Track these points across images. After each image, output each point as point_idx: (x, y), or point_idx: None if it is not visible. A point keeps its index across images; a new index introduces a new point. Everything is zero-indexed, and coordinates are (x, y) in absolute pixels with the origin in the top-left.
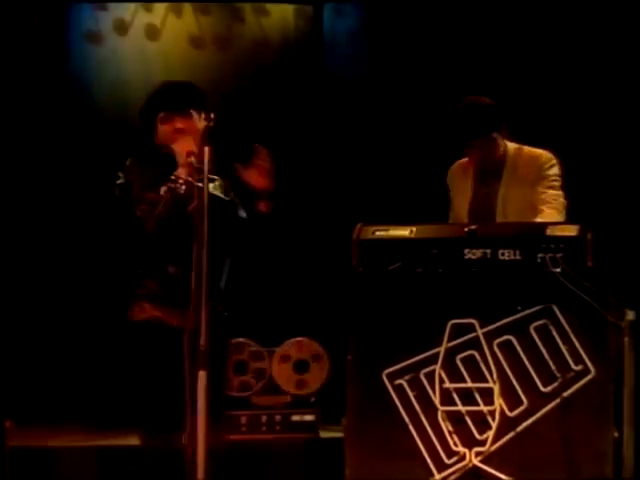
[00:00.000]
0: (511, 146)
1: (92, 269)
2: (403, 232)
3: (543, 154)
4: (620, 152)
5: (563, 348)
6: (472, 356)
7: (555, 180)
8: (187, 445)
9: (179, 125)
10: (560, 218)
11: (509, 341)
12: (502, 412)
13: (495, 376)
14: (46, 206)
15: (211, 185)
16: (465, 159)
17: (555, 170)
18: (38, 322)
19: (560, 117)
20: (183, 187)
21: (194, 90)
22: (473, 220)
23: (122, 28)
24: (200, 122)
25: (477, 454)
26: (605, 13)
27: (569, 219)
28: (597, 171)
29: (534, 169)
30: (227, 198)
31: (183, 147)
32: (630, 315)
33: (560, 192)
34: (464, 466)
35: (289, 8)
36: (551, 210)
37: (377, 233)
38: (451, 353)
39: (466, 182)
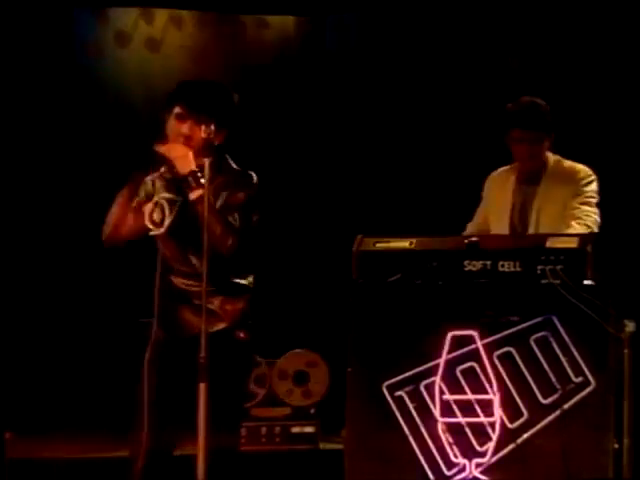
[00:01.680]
0: (552, 157)
1: (93, 283)
2: (403, 244)
3: (583, 169)
4: (620, 164)
5: (563, 360)
6: (472, 368)
7: (591, 197)
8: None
9: (186, 131)
10: None
11: (509, 353)
12: (502, 424)
13: (495, 388)
14: (44, 219)
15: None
16: (507, 167)
17: (593, 187)
18: (37, 334)
19: (561, 127)
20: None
21: (228, 99)
22: (511, 226)
23: (123, 40)
24: (203, 132)
25: (477, 465)
26: (609, 24)
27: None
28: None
29: (572, 183)
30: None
31: (170, 153)
32: (630, 327)
33: (594, 209)
34: (464, 477)
35: (290, 20)
36: (580, 226)
37: (377, 245)
38: (451, 365)
39: (506, 188)
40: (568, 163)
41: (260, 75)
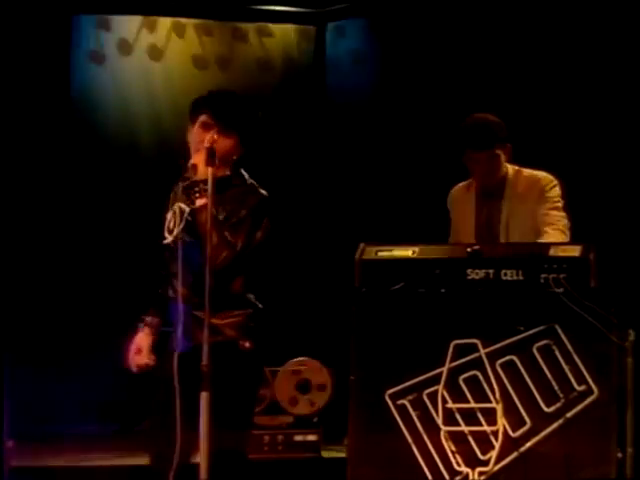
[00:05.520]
0: (511, 168)
1: (98, 290)
2: (406, 252)
3: (544, 176)
4: (621, 171)
5: (566, 368)
6: (475, 376)
7: (557, 201)
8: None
9: (208, 141)
10: (564, 239)
11: (512, 361)
12: (505, 432)
13: (498, 396)
14: (47, 226)
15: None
16: (465, 182)
17: (556, 191)
18: (40, 340)
19: (560, 136)
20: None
21: (255, 115)
22: (478, 241)
23: (125, 48)
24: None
25: (480, 474)
26: (606, 32)
27: (573, 239)
28: (599, 191)
29: (535, 191)
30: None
31: (196, 159)
32: (632, 335)
33: (563, 213)
34: None
35: (291, 28)
36: (554, 231)
37: (380, 253)
38: (454, 373)
39: (468, 204)
40: (527, 172)
41: (262, 83)
